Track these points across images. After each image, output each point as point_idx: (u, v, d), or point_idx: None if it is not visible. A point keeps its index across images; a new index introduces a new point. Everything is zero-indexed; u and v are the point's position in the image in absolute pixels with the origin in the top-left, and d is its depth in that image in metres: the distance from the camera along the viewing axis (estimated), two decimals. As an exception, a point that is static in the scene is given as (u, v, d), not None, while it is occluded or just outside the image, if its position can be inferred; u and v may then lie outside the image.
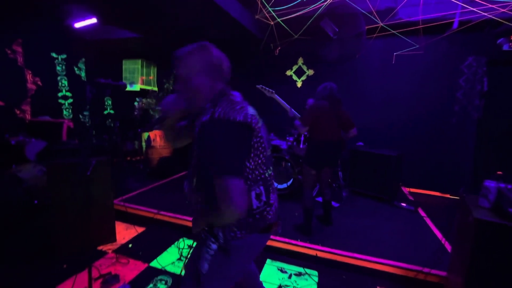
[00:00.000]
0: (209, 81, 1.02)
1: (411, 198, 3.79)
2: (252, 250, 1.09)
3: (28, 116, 4.15)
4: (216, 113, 0.93)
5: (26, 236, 2.56)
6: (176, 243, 2.59)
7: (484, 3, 2.92)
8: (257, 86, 3.24)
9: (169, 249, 2.48)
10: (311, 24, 3.70)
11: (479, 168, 3.95)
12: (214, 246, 1.02)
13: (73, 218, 2.21)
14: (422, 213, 3.23)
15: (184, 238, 2.66)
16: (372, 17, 3.54)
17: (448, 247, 2.41)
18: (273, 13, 3.58)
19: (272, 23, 3.78)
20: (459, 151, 3.95)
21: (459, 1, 3.16)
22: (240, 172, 0.92)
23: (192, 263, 1.19)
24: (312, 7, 3.48)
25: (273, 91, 3.18)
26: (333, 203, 3.41)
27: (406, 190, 4.16)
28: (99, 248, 2.43)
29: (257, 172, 1.01)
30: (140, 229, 2.83)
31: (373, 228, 2.80)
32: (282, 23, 3.71)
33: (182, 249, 2.48)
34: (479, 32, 3.57)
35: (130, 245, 2.52)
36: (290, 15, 3.55)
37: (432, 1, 3.56)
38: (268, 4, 3.43)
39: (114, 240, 2.55)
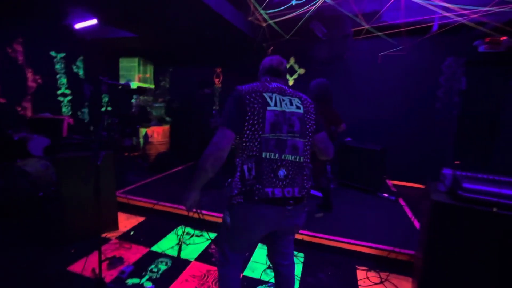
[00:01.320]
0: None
1: (394, 189, 4.06)
2: (253, 220, 1.24)
3: (29, 113, 4.30)
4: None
5: (36, 224, 2.75)
6: (174, 230, 2.81)
7: (459, 9, 3.16)
8: None
9: (168, 236, 2.70)
10: (301, 25, 3.91)
11: (461, 159, 4.23)
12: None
13: (81, 208, 2.41)
14: (402, 203, 3.50)
15: (182, 226, 2.88)
16: (358, 19, 3.76)
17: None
18: (265, 16, 3.78)
19: (264, 24, 3.97)
20: (440, 146, 4.23)
21: (438, 7, 3.40)
22: (229, 125, 1.21)
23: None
24: (302, 9, 3.69)
25: None
26: (321, 194, 3.65)
27: (390, 182, 4.43)
28: (103, 235, 2.63)
29: (251, 150, 1.21)
30: (141, 219, 3.04)
31: (357, 216, 3.06)
32: (274, 25, 3.91)
33: (181, 235, 2.70)
34: (458, 34, 3.83)
35: (132, 233, 2.73)
36: (281, 17, 3.75)
37: (414, 5, 3.79)
38: (260, 7, 3.62)
39: (117, 228, 2.76)
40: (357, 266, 2.30)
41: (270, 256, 1.54)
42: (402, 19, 3.77)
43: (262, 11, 3.68)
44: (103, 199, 2.57)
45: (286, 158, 1.23)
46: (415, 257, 2.12)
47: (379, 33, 3.88)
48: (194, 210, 1.38)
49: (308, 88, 2.97)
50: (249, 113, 1.20)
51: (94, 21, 3.74)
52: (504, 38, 3.66)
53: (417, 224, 2.87)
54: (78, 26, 3.95)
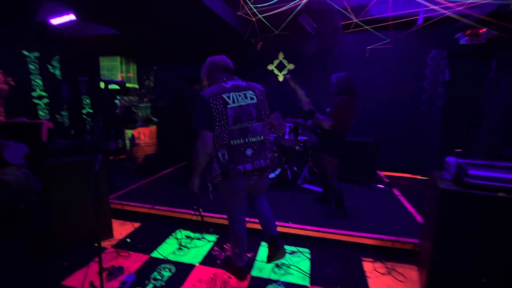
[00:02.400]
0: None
1: (386, 180, 4.16)
2: (232, 188, 1.71)
3: (2, 118, 3.96)
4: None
5: (21, 237, 2.53)
6: (173, 234, 2.70)
7: (443, 1, 3.25)
8: (286, 75, 2.83)
9: (168, 240, 2.58)
10: (290, 20, 3.87)
11: (444, 150, 4.40)
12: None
13: (71, 216, 2.24)
14: (397, 192, 3.59)
15: (181, 229, 2.77)
16: (346, 13, 3.78)
17: (419, 218, 2.75)
18: (255, 10, 3.70)
19: (254, 19, 3.89)
20: (428, 136, 4.38)
21: (421, 1, 3.48)
22: (205, 128, 1.59)
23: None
24: (291, 4, 3.65)
25: (298, 82, 2.78)
26: (318, 188, 3.66)
27: (382, 174, 4.53)
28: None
29: (221, 140, 1.60)
30: (136, 225, 2.89)
31: (355, 208, 3.08)
32: (263, 19, 3.84)
33: (181, 239, 2.59)
34: (441, 27, 3.95)
35: (128, 240, 2.58)
36: (271, 11, 3.69)
37: (400, -2, 3.87)
38: (249, 1, 3.54)
39: (112, 236, 2.60)
40: (362, 258, 2.32)
41: (249, 202, 1.95)
42: (389, 12, 3.84)
43: (251, 5, 3.60)
44: (99, 205, 2.42)
45: (251, 140, 1.65)
46: (420, 246, 2.16)
47: (367, 27, 3.93)
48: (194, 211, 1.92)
49: (331, 81, 2.82)
50: (215, 114, 1.57)
51: (71, 17, 3.48)
52: (483, 30, 3.83)
53: (413, 212, 2.95)
54: (54, 21, 3.65)
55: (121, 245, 2.50)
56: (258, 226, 2.07)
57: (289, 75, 2.72)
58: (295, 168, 4.15)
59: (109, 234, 2.59)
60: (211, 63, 1.80)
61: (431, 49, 4.18)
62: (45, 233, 2.23)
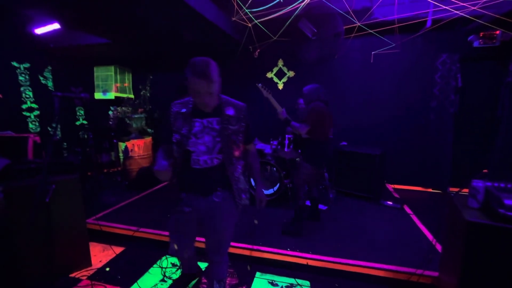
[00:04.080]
0: None
1: (396, 195, 3.82)
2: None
3: (-12, 132, 3.78)
4: None
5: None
6: (158, 262, 2.42)
7: (455, 1, 2.99)
8: (257, 84, 2.82)
9: (151, 270, 2.30)
10: (289, 25, 3.64)
11: (457, 161, 4.06)
12: None
13: (37, 245, 1.98)
14: (408, 210, 3.25)
15: (168, 256, 2.49)
16: (349, 17, 3.54)
17: (432, 239, 2.42)
18: (250, 15, 3.49)
19: (249, 25, 3.68)
20: (439, 146, 4.04)
21: (431, 0, 3.22)
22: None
23: None
24: (289, 8, 3.43)
25: (270, 91, 2.80)
26: (321, 206, 3.35)
27: (390, 187, 4.20)
28: (72, 275, 2.20)
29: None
30: (119, 249, 2.62)
31: (362, 229, 2.77)
32: (260, 25, 3.62)
33: (166, 268, 2.31)
34: (451, 29, 3.68)
35: (107, 269, 2.31)
36: (268, 16, 3.47)
37: (406, 0, 3.62)
38: (244, 6, 3.33)
39: (89, 264, 2.33)
40: (372, 292, 2.00)
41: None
42: (395, 15, 3.58)
43: (247, 10, 3.38)
44: (68, 233, 2.17)
45: None
46: (440, 280, 1.84)
47: (371, 31, 3.67)
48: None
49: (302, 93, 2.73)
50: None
51: (56, 26, 3.31)
52: (498, 32, 3.54)
53: (428, 234, 2.62)
54: (38, 31, 3.49)
55: (99, 275, 2.23)
56: (254, 253, 1.79)
57: (260, 84, 2.66)
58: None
59: (86, 262, 2.32)
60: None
61: (441, 53, 3.90)
62: (5, 267, 1.97)
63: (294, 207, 2.73)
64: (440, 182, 4.07)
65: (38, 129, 4.52)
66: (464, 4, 2.90)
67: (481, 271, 1.37)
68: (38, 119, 4.51)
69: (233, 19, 3.68)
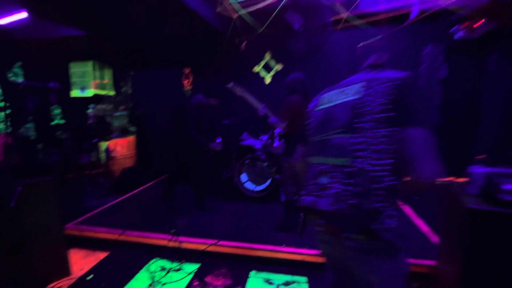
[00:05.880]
0: None
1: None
2: None
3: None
4: None
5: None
6: (146, 265, 2.27)
7: (440, -9, 3.00)
8: (228, 85, 2.80)
9: (139, 275, 2.16)
10: (276, 17, 3.55)
11: (443, 150, 4.13)
12: None
13: (5, 255, 1.78)
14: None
15: (157, 259, 2.35)
16: (336, 8, 3.49)
17: (424, 228, 2.42)
18: (235, 5, 3.36)
19: (234, 16, 3.55)
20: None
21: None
22: None
23: None
24: (275, -2, 3.32)
25: (244, 89, 2.80)
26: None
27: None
28: (50, 286, 2.02)
29: None
30: (102, 255, 2.44)
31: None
32: (245, 16, 3.50)
33: (154, 272, 2.17)
34: (436, 21, 3.71)
35: (89, 277, 2.14)
36: (253, 6, 3.36)
37: (392, -9, 3.61)
38: (229, -5, 3.20)
39: (68, 273, 2.15)
40: (369, 285, 1.96)
41: None
42: (380, 6, 3.57)
43: (231, 0, 3.25)
44: (42, 240, 1.98)
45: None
46: (438, 269, 1.82)
47: (358, 23, 3.65)
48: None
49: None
50: None
51: (24, 15, 3.03)
52: (479, 23, 3.61)
53: (420, 224, 2.62)
54: (3, 21, 3.18)
55: (80, 284, 2.06)
56: (248, 252, 1.69)
57: (231, 84, 2.63)
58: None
59: (65, 271, 2.14)
60: None
61: (427, 44, 3.94)
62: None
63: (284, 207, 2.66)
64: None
65: (9, 129, 4.18)
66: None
67: (482, 258, 1.34)
68: (8, 119, 4.17)
69: (218, 10, 3.54)
